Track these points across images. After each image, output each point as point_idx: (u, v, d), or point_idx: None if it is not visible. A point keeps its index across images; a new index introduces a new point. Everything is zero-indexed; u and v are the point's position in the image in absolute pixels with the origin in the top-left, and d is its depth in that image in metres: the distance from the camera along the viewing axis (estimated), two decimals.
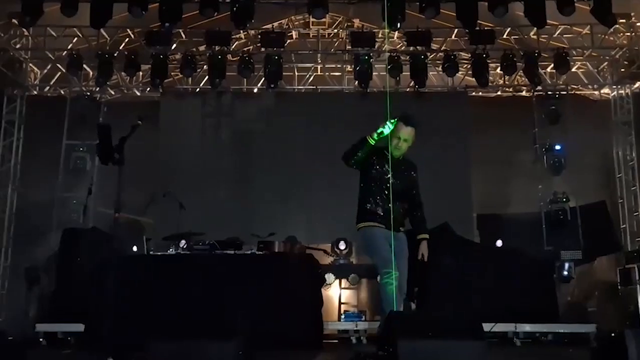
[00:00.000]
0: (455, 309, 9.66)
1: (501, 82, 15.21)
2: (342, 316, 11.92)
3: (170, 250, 9.12)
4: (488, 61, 13.93)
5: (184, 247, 9.09)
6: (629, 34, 13.89)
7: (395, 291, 6.02)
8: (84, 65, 14.34)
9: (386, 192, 6.31)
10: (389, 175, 6.39)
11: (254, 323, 6.41)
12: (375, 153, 6.50)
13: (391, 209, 6.27)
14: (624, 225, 14.49)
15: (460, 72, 14.52)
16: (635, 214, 14.36)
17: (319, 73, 15.45)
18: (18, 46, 14.44)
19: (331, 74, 15.39)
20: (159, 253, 9.21)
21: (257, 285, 7.88)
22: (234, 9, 11.84)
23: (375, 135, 6.19)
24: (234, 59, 14.35)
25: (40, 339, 9.74)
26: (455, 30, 14.09)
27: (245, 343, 4.61)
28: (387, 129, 6.14)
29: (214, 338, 4.42)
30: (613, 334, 4.90)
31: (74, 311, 9.12)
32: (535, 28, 13.26)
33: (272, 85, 14.06)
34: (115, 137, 5.92)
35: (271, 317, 7.54)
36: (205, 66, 14.40)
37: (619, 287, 12.46)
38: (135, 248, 9.32)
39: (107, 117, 14.31)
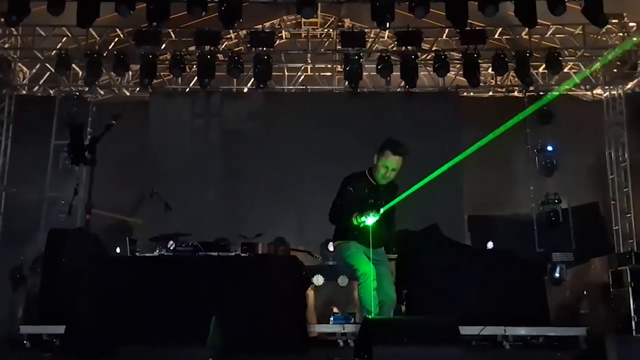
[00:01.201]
0: (443, 312, 9.57)
1: (493, 82, 15.15)
2: (331, 318, 11.81)
3: (156, 251, 9.01)
4: (480, 61, 13.88)
5: (172, 248, 8.98)
6: (621, 34, 13.84)
7: (374, 294, 5.94)
8: (73, 65, 14.27)
9: (374, 210, 6.17)
10: (371, 200, 6.30)
11: (234, 326, 6.31)
12: (362, 180, 6.43)
13: (368, 230, 6.15)
14: (616, 227, 14.42)
15: (451, 72, 14.44)
16: (627, 215, 14.30)
17: (309, 73, 15.37)
18: (7, 45, 14.36)
19: (321, 74, 15.32)
20: (146, 254, 9.09)
21: (238, 287, 7.78)
22: (222, 8, 11.75)
23: (359, 220, 6.11)
24: (224, 59, 14.27)
25: (25, 341, 9.64)
26: (447, 30, 14.01)
27: (218, 348, 4.50)
28: (369, 221, 6.05)
29: (184, 343, 4.32)
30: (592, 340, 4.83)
31: (60, 313, 9.02)
32: (526, 28, 13.17)
33: (262, 85, 13.99)
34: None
35: (252, 320, 7.44)
36: (195, 66, 14.34)
37: (611, 290, 12.37)
38: (118, 249, 9.23)
39: (96, 117, 14.26)
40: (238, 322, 7.03)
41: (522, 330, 10.35)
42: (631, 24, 13.71)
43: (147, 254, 8.86)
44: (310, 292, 11.75)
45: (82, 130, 5.78)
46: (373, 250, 6.20)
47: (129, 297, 7.22)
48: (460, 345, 4.42)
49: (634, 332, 11.10)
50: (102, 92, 15.32)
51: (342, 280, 12.48)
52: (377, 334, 4.42)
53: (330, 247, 12.88)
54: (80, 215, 12.34)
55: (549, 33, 13.96)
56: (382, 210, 6.10)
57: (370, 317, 5.61)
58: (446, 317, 4.89)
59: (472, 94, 15.24)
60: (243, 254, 8.57)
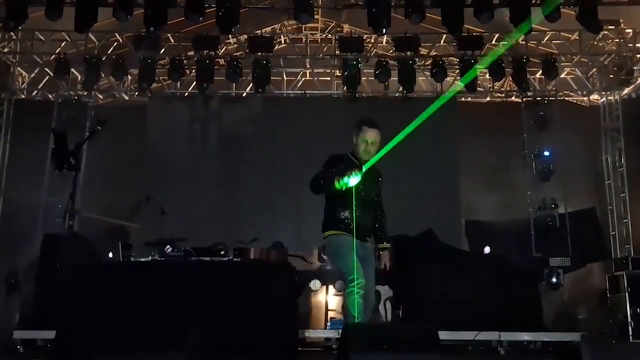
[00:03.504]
0: (439, 317, 9.58)
1: (491, 87, 15.17)
2: (328, 324, 11.80)
3: (150, 257, 8.99)
4: (477, 67, 13.90)
5: (168, 252, 8.95)
6: (617, 40, 13.88)
7: (359, 300, 5.94)
8: (72, 70, 14.30)
9: (354, 202, 6.19)
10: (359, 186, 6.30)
11: (222, 333, 6.31)
12: (345, 162, 6.45)
13: (354, 218, 6.16)
14: (613, 232, 14.44)
15: (449, 77, 14.47)
16: (624, 220, 14.33)
17: (307, 78, 15.42)
18: (6, 50, 14.44)
19: (320, 78, 15.36)
20: (137, 260, 9.07)
21: (227, 293, 7.75)
22: (220, 14, 11.79)
23: (341, 183, 6.07)
24: (223, 63, 14.34)
25: (18, 347, 9.65)
26: (444, 36, 14.04)
27: (196, 355, 4.50)
28: (352, 181, 6.05)
29: (166, 350, 4.30)
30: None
31: (54, 318, 9.03)
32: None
33: (260, 90, 14.04)
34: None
35: (241, 326, 7.40)
36: (193, 71, 14.41)
37: (608, 295, 12.37)
38: (110, 254, 9.24)
39: (94, 121, 14.27)
40: (226, 329, 7.03)
41: (517, 336, 10.37)
42: (627, 30, 13.76)
43: (138, 259, 8.85)
44: (309, 297, 11.79)
45: (66, 136, 5.76)
46: (361, 245, 6.23)
47: (113, 304, 7.20)
48: (438, 351, 4.43)
49: (630, 337, 11.10)
50: (101, 97, 15.39)
51: (339, 285, 12.49)
52: (356, 340, 4.43)
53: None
54: (76, 220, 12.37)
55: (545, 39, 14.02)
56: (364, 169, 6.12)
57: (350, 323, 5.62)
58: (425, 323, 4.90)
59: (469, 99, 15.27)
60: (235, 259, 8.56)
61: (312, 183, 6.42)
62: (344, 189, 6.06)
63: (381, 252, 6.70)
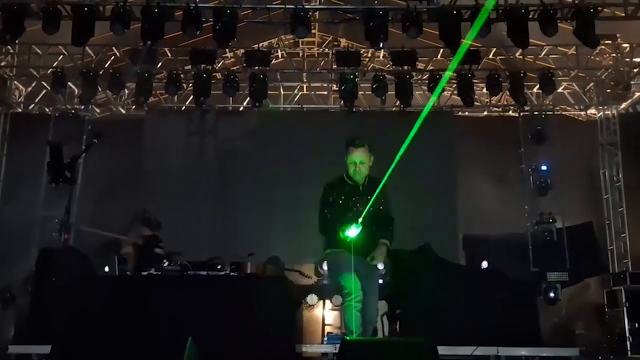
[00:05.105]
0: (436, 332, 9.52)
1: (491, 101, 15.19)
2: (325, 338, 11.73)
3: (145, 271, 8.94)
4: (474, 81, 13.92)
5: (165, 266, 8.91)
6: (614, 54, 13.91)
7: (357, 314, 5.92)
8: (69, 83, 14.32)
9: (354, 221, 6.15)
10: (354, 201, 6.29)
11: (216, 348, 6.26)
12: (341, 184, 6.46)
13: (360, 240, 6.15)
14: (611, 247, 14.42)
15: (446, 92, 14.49)
16: (622, 235, 14.30)
17: (304, 92, 15.43)
18: (3, 64, 14.43)
19: (317, 93, 15.36)
20: (132, 274, 9.03)
21: (222, 308, 7.71)
22: (217, 28, 11.80)
23: (343, 236, 6.15)
24: (220, 77, 14.33)
25: None
26: (441, 50, 14.06)
27: None
28: (351, 234, 6.06)
29: None
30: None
31: (49, 332, 8.96)
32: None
33: (257, 104, 14.02)
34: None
35: (235, 341, 7.36)
36: (190, 84, 14.40)
37: (606, 310, 12.33)
38: (106, 268, 9.20)
39: (91, 135, 14.25)
40: (222, 343, 6.98)
41: (515, 351, 10.31)
42: (624, 45, 13.81)
43: (132, 274, 8.82)
44: (304, 312, 11.72)
45: (62, 149, 5.73)
46: (362, 262, 6.21)
47: (109, 318, 7.15)
48: None
49: (629, 352, 11.05)
50: (98, 111, 15.39)
51: (336, 300, 12.42)
52: (354, 355, 4.39)
53: (325, 266, 12.83)
54: (72, 234, 12.33)
55: (542, 53, 14.05)
56: (360, 220, 6.09)
57: (348, 338, 5.58)
58: (425, 338, 4.85)
59: (467, 113, 15.28)
60: (232, 274, 8.50)
61: (320, 227, 6.66)
62: (347, 240, 6.07)
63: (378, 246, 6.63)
